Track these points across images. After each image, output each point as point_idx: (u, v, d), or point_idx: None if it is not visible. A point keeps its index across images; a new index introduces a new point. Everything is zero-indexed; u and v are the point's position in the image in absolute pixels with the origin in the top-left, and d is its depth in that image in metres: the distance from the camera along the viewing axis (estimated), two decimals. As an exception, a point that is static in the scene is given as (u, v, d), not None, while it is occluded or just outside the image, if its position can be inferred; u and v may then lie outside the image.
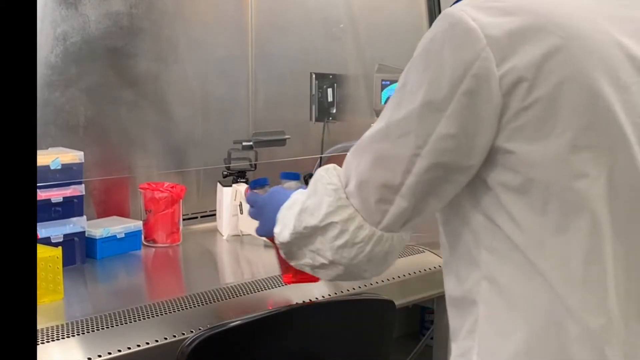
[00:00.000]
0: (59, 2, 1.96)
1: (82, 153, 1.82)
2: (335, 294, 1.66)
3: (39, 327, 1.34)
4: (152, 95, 2.19)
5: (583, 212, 0.93)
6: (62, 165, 1.76)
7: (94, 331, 1.36)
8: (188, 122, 2.28)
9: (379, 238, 1.05)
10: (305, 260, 1.16)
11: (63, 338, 1.32)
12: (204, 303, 1.51)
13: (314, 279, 1.34)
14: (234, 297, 1.56)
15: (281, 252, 1.22)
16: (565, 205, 0.93)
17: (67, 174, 1.77)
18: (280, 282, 1.64)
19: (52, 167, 1.74)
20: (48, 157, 1.74)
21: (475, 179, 0.98)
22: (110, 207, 2.05)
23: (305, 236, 1.12)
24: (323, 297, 1.62)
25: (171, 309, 1.47)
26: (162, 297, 1.51)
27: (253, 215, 1.35)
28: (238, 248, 1.96)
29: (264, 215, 1.29)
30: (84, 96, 2.03)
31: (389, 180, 1.00)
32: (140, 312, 1.44)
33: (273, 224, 1.21)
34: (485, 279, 0.98)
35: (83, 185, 1.81)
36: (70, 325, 1.36)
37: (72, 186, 1.78)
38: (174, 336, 1.39)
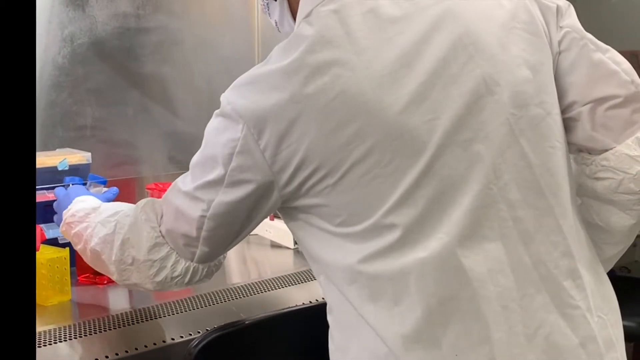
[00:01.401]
0: (67, 4, 1.97)
1: (89, 154, 1.82)
2: (342, 294, 1.65)
3: (46, 328, 1.34)
4: (159, 95, 2.19)
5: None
6: (70, 166, 1.76)
7: (101, 332, 1.36)
8: (195, 122, 2.28)
9: (194, 270, 1.19)
10: (127, 285, 1.26)
11: (71, 339, 1.33)
12: (211, 304, 1.51)
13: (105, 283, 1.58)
14: (241, 298, 1.56)
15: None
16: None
17: (75, 175, 1.76)
18: (287, 282, 1.64)
19: (59, 168, 1.74)
20: (55, 159, 1.74)
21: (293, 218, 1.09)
22: (117, 208, 2.05)
23: (127, 267, 1.21)
24: (330, 297, 1.62)
25: (178, 309, 1.48)
26: (169, 297, 1.51)
27: (54, 206, 1.47)
28: (245, 248, 1.96)
29: (59, 209, 1.42)
30: (91, 97, 2.04)
31: (188, 232, 1.12)
32: (147, 312, 1.44)
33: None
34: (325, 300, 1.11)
35: (90, 186, 1.81)
36: (77, 326, 1.37)
37: (80, 187, 1.78)
38: (182, 337, 1.39)
